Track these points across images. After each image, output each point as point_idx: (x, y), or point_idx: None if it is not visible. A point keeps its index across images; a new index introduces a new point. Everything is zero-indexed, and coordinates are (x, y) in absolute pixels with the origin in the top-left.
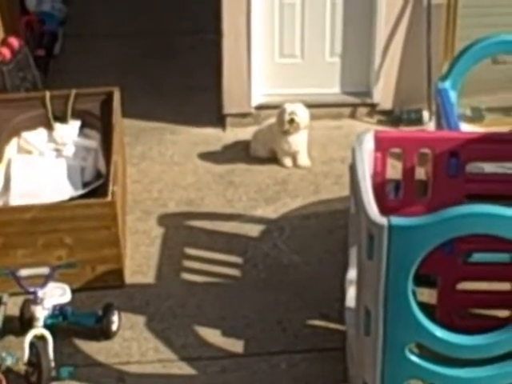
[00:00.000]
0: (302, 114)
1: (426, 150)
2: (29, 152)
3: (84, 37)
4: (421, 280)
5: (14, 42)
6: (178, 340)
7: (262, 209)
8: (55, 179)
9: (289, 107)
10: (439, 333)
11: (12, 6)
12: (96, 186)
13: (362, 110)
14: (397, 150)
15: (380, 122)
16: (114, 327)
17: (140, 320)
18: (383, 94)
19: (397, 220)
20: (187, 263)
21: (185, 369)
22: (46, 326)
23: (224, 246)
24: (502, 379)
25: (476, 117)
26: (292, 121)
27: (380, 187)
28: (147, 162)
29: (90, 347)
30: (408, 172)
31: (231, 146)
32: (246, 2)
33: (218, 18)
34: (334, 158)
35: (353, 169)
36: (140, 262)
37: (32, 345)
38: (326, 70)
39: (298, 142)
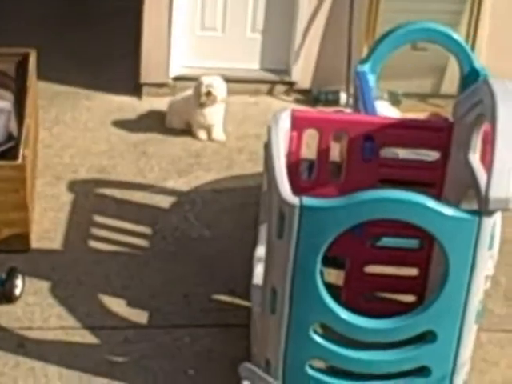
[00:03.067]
0: (220, 87)
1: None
2: None
3: None
4: (329, 261)
5: None
6: (81, 308)
7: (174, 180)
8: None
9: (206, 80)
10: (343, 314)
11: None
12: (6, 148)
13: (280, 88)
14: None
15: (297, 101)
16: (17, 291)
17: (44, 286)
18: (302, 73)
19: (309, 200)
20: (95, 231)
21: (87, 337)
22: None
23: (133, 215)
24: (403, 364)
25: (393, 101)
26: (209, 93)
27: (294, 167)
28: (60, 126)
29: None
30: (323, 153)
31: (146, 115)
32: None
33: None
34: (249, 134)
35: (267, 147)
36: (47, 227)
37: None
38: (246, 45)
39: (214, 115)
